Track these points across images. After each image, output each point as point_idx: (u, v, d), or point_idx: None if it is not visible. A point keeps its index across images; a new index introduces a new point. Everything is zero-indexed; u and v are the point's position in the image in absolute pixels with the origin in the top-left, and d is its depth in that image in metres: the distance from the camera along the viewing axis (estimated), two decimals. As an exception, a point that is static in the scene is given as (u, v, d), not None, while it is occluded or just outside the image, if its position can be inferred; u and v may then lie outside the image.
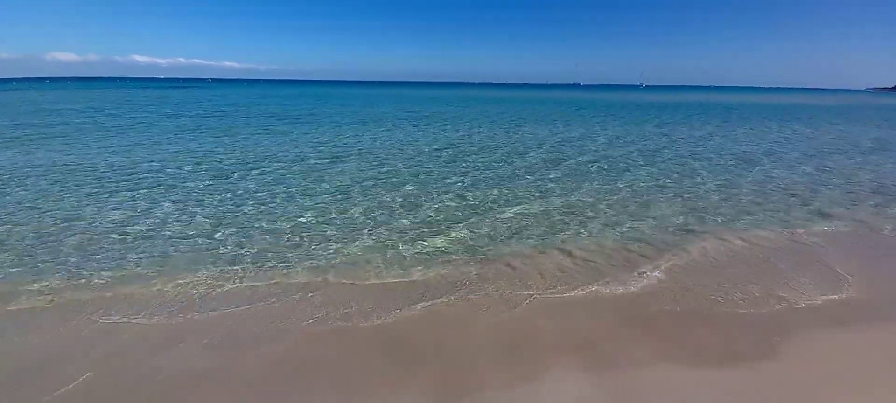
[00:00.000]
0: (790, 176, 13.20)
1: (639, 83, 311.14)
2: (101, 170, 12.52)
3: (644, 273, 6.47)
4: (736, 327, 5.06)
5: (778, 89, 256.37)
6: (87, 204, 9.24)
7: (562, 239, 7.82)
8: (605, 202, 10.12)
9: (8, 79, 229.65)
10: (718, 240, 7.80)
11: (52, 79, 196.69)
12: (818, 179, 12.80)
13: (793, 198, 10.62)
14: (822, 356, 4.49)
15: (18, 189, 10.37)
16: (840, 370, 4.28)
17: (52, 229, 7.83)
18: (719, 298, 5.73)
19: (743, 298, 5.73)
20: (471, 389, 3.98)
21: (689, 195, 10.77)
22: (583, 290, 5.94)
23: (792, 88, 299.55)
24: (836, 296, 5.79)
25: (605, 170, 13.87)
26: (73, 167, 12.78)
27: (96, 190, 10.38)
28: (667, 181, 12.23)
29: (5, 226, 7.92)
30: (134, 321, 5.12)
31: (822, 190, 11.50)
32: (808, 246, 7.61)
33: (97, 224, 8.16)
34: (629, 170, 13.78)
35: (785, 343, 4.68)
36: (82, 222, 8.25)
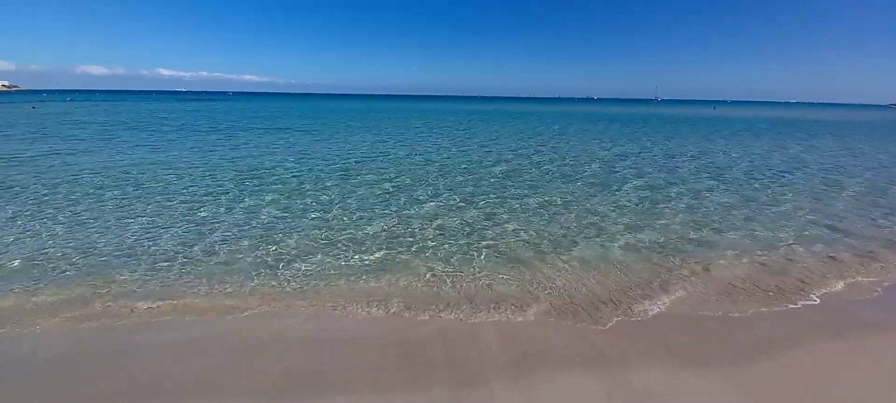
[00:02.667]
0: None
1: (653, 97, 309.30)
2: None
3: (665, 283, 6.55)
4: (748, 339, 5.04)
5: (798, 104, 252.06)
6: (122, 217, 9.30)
7: (577, 249, 7.87)
8: (623, 212, 10.33)
9: (39, 90, 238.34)
10: (740, 253, 7.83)
11: (81, 92, 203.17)
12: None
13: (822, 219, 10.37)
14: (829, 365, 4.59)
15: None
16: (843, 378, 4.36)
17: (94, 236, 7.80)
18: (734, 313, 5.71)
19: (758, 311, 5.76)
20: (480, 397, 4.01)
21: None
22: (592, 299, 5.96)
23: (812, 103, 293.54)
24: (849, 308, 5.90)
25: (638, 184, 13.98)
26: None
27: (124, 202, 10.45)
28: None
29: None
30: (147, 323, 5.16)
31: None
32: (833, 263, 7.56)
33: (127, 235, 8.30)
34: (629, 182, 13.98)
35: (794, 355, 4.73)
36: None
